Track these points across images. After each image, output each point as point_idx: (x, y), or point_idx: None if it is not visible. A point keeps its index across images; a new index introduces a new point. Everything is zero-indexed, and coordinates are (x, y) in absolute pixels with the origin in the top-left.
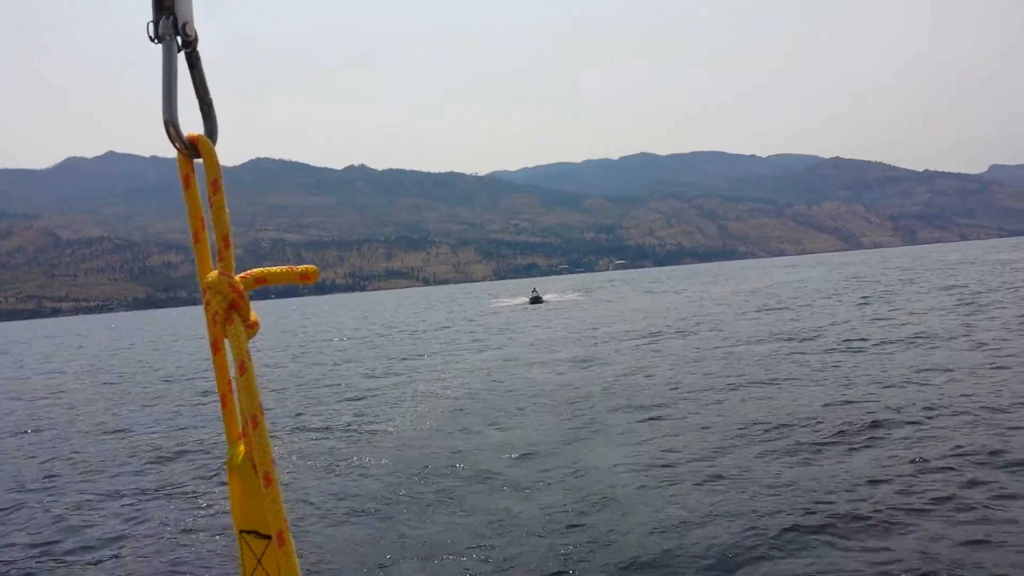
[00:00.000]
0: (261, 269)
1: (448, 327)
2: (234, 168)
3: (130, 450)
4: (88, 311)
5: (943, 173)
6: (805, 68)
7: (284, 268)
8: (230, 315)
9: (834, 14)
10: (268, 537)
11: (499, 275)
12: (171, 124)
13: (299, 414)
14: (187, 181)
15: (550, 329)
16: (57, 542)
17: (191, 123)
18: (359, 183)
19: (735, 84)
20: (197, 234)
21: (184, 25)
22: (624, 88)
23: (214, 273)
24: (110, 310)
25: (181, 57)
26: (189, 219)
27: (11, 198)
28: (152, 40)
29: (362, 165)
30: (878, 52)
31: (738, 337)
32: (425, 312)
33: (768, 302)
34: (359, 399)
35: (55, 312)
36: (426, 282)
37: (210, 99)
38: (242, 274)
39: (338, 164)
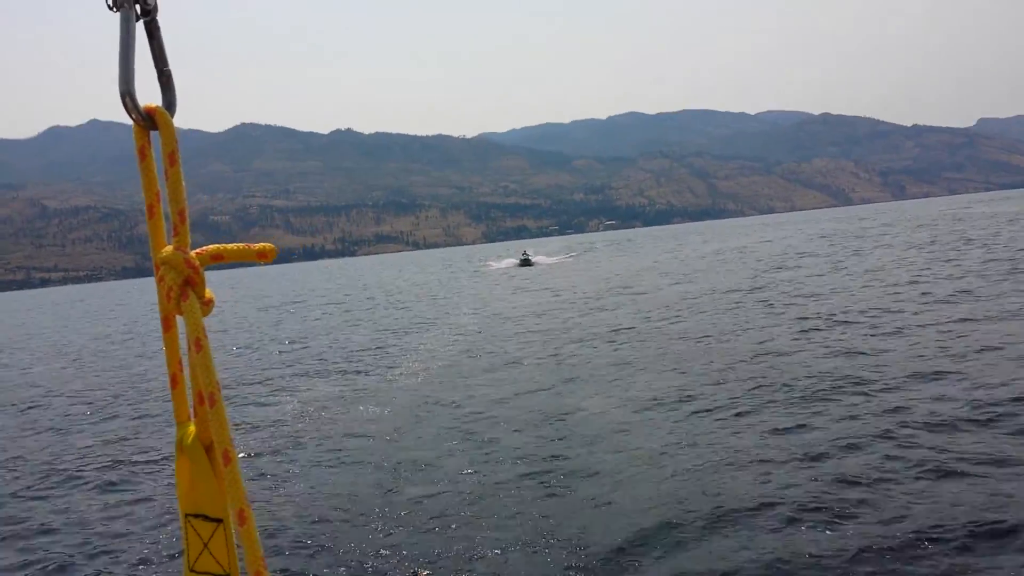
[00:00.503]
0: (217, 246)
1: (441, 289)
2: (219, 134)
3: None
4: (77, 281)
5: (932, 127)
6: (794, 23)
7: (241, 245)
8: (185, 291)
9: None
10: (218, 520)
11: (489, 238)
12: (127, 95)
13: (301, 372)
14: (143, 153)
15: (539, 290)
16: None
17: (150, 94)
18: (346, 147)
19: (724, 41)
20: (152, 208)
21: None
22: (609, 46)
23: (169, 248)
24: (99, 279)
25: (140, 26)
26: (144, 192)
27: None
28: (110, 8)
29: (348, 129)
30: (867, 5)
31: (711, 291)
32: (417, 275)
33: (746, 259)
34: (359, 358)
35: (44, 283)
36: (416, 246)
37: (169, 70)
38: (197, 250)
39: (324, 128)
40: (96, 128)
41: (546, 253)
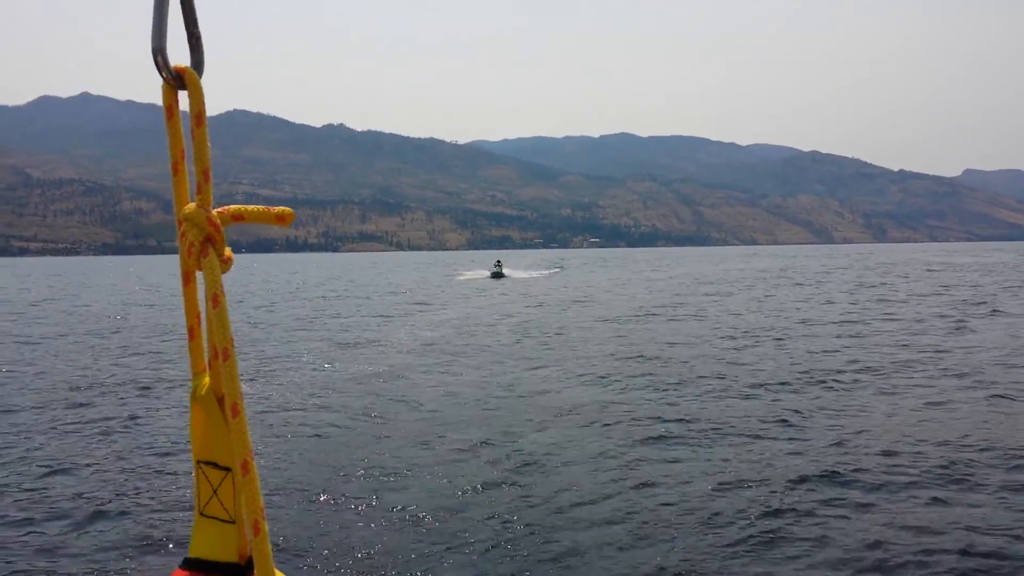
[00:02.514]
0: (238, 206)
1: (408, 294)
2: (210, 118)
3: (108, 381)
4: (56, 253)
5: (918, 174)
6: (789, 59)
7: (261, 208)
8: (205, 248)
9: (821, 8)
10: (227, 469)
11: (473, 245)
12: (159, 52)
13: (269, 358)
14: (170, 111)
15: (496, 304)
16: (25, 463)
17: (177, 55)
18: (337, 142)
19: (718, 71)
20: (176, 165)
21: None
22: (607, 67)
23: (192, 205)
24: (78, 253)
25: None
26: (170, 150)
27: None
28: None
29: (341, 124)
30: (863, 47)
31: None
32: (390, 276)
33: (714, 287)
34: (331, 349)
35: (22, 252)
36: (399, 247)
37: (199, 32)
38: (219, 209)
39: (317, 121)
40: (87, 101)
41: (523, 267)
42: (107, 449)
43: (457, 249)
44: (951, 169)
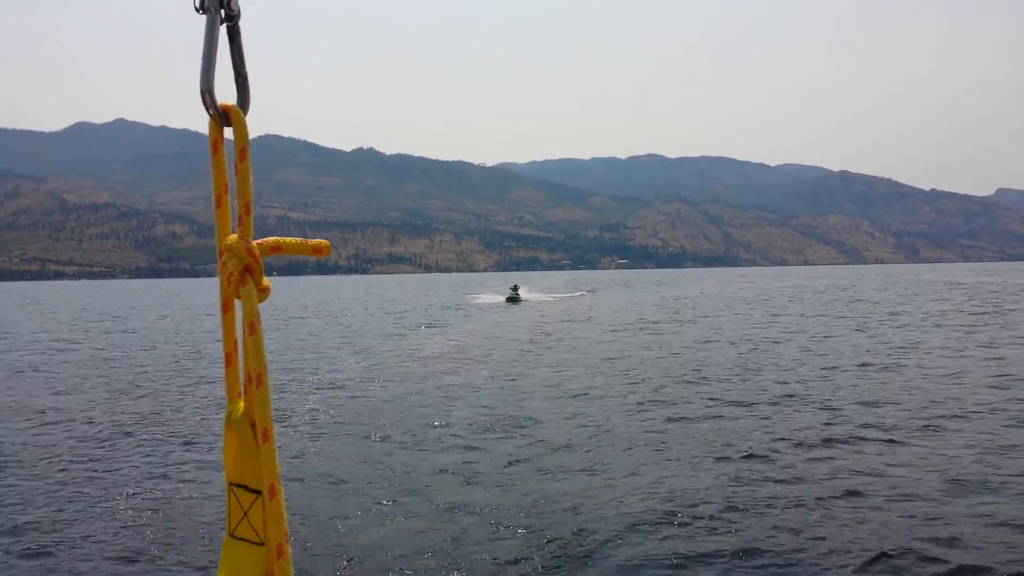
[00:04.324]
0: (277, 238)
1: (422, 319)
2: None
3: (140, 401)
4: (91, 276)
5: (950, 193)
6: (817, 79)
7: (299, 240)
8: (244, 278)
9: (850, 28)
10: (257, 492)
11: (501, 267)
12: (207, 92)
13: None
14: (215, 147)
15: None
16: (60, 479)
17: (224, 93)
18: (366, 166)
19: (746, 91)
20: (220, 198)
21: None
22: (634, 88)
23: (233, 236)
24: (113, 277)
25: (222, 30)
26: (213, 183)
27: (19, 158)
28: (197, 10)
29: (371, 148)
30: (892, 67)
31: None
32: (403, 299)
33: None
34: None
35: (58, 275)
36: (428, 269)
37: (245, 72)
38: (259, 240)
39: (347, 146)
40: (121, 127)
41: (543, 289)
42: (140, 468)
43: (486, 271)
44: (984, 188)
